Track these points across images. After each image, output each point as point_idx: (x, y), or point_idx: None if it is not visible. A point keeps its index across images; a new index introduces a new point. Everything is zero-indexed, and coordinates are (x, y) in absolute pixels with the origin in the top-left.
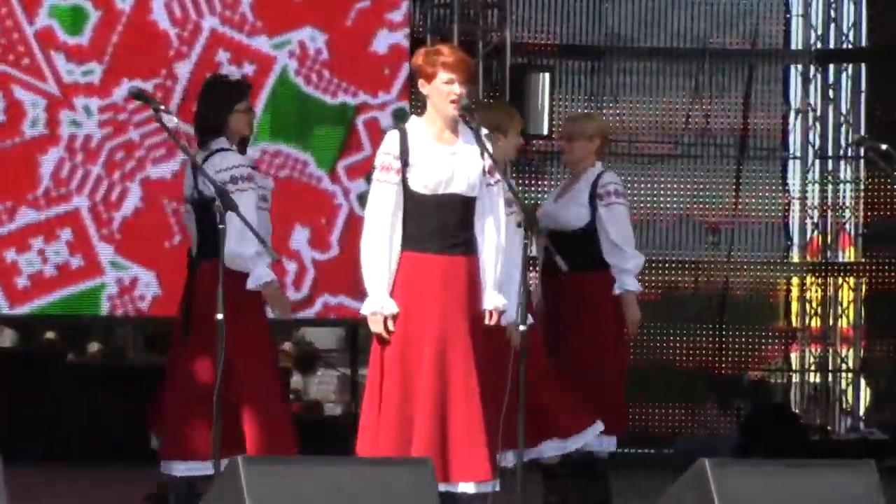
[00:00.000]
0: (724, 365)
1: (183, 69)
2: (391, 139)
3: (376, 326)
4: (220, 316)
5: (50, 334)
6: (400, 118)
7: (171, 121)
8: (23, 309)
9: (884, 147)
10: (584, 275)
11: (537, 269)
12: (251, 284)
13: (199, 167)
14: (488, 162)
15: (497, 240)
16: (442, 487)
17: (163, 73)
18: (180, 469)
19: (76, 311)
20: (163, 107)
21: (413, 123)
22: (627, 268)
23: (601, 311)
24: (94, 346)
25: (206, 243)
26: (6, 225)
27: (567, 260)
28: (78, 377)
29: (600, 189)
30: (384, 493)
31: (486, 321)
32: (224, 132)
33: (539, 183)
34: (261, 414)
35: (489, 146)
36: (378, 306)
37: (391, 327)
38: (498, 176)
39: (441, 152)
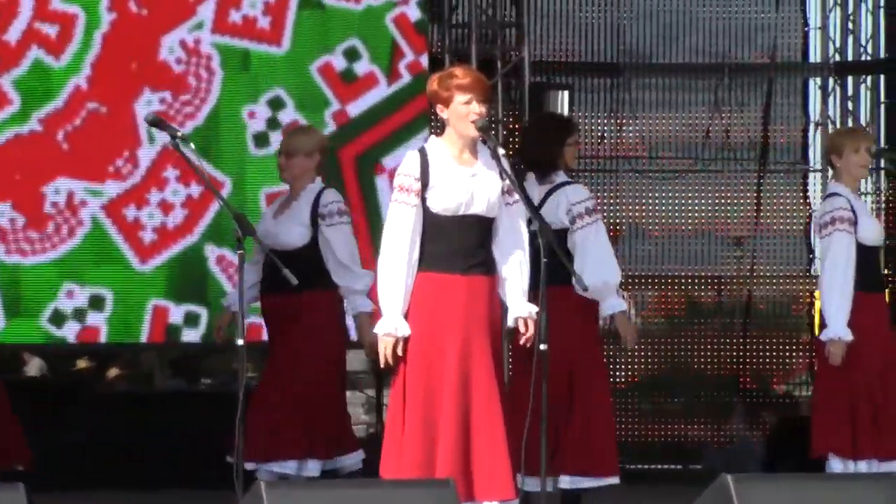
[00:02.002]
0: (749, 379)
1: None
2: (411, 160)
3: (386, 348)
4: (240, 342)
5: (81, 362)
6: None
7: (189, 148)
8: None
9: None
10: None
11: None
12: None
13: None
14: (507, 182)
15: (521, 257)
16: None
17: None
18: None
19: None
20: (180, 133)
21: (433, 144)
22: (357, 289)
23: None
24: (114, 372)
25: None
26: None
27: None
28: (106, 404)
29: (322, 209)
30: None
31: (522, 329)
32: (559, 165)
33: None
34: None
35: (506, 165)
36: (392, 328)
37: (400, 351)
38: (517, 196)
39: (461, 174)
